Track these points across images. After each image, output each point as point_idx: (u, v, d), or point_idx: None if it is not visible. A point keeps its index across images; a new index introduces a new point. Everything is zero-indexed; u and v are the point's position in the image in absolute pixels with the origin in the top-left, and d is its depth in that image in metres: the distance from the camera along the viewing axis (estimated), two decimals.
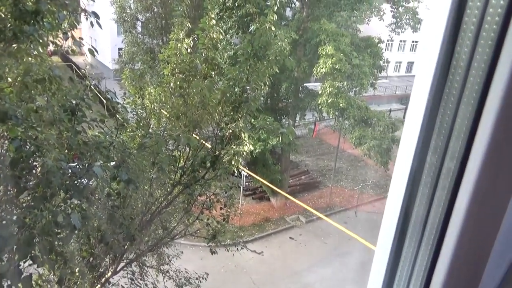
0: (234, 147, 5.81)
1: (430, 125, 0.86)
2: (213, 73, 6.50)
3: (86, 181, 4.11)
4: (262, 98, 17.71)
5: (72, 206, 3.13)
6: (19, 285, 2.82)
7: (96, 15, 4.18)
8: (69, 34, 4.32)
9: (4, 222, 2.88)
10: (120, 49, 27.42)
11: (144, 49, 22.10)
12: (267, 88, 6.61)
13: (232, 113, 6.14)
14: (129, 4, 21.74)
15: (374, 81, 21.10)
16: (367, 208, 23.96)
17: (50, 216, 2.88)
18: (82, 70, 5.16)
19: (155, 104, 7.95)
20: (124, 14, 21.45)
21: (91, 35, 40.14)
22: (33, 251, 2.93)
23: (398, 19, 20.47)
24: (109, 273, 6.53)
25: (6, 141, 3.95)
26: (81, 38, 4.33)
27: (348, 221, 22.13)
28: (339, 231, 18.65)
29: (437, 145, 0.85)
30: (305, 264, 18.89)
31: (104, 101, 5.84)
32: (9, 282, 3.01)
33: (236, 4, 15.60)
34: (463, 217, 0.83)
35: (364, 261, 18.37)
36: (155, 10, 22.02)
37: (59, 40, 5.27)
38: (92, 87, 5.15)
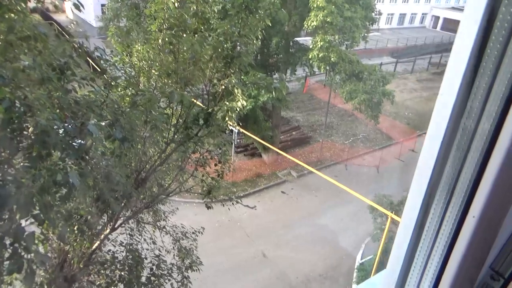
0: (228, 103, 5.79)
1: (467, 88, 0.85)
2: (202, 28, 6.32)
3: (79, 141, 4.10)
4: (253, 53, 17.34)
5: (70, 165, 3.14)
6: (22, 242, 2.89)
7: None
8: None
9: (1, 182, 2.89)
10: (103, 5, 26.36)
11: (129, 4, 21.19)
12: (259, 43, 6.48)
13: (224, 69, 6.04)
14: None
15: (366, 34, 20.75)
16: (357, 161, 24.44)
17: (48, 175, 2.90)
18: (67, 28, 4.97)
19: (143, 61, 7.77)
20: None
21: None
22: (33, 210, 2.98)
23: None
24: (108, 230, 6.68)
25: None
26: None
27: (338, 174, 22.62)
28: (330, 185, 19.09)
29: (473, 108, 0.85)
30: (296, 217, 19.49)
31: (90, 60, 5.69)
32: (11, 240, 3.08)
33: None
34: (495, 178, 0.84)
35: (355, 212, 19.02)
36: None
37: None
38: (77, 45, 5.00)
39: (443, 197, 0.97)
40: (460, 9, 64.49)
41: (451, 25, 63.45)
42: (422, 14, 66.47)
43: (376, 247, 14.85)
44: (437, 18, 66.26)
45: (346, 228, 18.80)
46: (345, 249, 17.74)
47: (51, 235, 6.50)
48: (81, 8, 3.96)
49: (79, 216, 5.96)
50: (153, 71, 7.43)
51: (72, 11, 43.56)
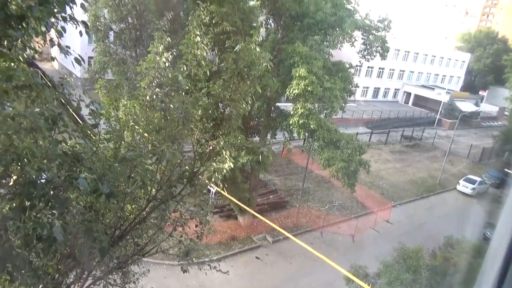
0: (215, 164, 5.78)
1: None
2: (194, 88, 6.49)
3: (62, 192, 3.95)
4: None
5: (57, 218, 2.98)
6: None
7: (85, 25, 4.11)
8: (56, 41, 4.21)
9: None
10: (90, 58, 26.84)
11: (116, 59, 21.74)
12: (249, 107, 6.67)
13: (212, 130, 6.13)
14: (103, 13, 21.42)
15: (343, 105, 21.67)
16: (333, 229, 24.25)
17: (32, 228, 2.74)
18: (60, 79, 4.99)
19: (129, 116, 7.80)
20: (98, 23, 21.08)
21: (60, 42, 39.04)
22: (8, 265, 2.76)
23: (368, 46, 21.27)
24: None
25: None
26: (67, 47, 4.23)
27: (314, 241, 22.28)
28: (305, 252, 18.73)
29: None
30: (270, 285, 18.77)
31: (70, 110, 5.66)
32: None
33: (213, 22, 15.73)
34: None
35: (329, 282, 18.48)
36: (130, 21, 21.81)
37: (39, 46, 5.13)
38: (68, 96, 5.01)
39: None
40: (430, 88, 68.94)
41: (421, 102, 67.37)
42: (395, 89, 70.55)
43: None
44: (409, 94, 70.37)
45: None
46: None
47: None
48: (83, 61, 4.02)
49: (46, 274, 5.57)
50: (136, 126, 7.44)
51: (58, 61, 44.03)
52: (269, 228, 21.72)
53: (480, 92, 77.24)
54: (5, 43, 3.78)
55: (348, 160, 18.94)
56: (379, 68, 64.59)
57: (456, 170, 39.33)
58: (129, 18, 21.64)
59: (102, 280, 7.41)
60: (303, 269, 20.04)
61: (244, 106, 6.19)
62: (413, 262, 14.92)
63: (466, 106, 61.83)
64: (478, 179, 34.57)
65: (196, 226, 7.28)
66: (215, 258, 19.51)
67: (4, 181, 3.92)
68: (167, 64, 7.93)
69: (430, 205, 30.82)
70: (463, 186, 33.98)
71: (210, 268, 8.09)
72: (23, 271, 2.76)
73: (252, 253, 21.13)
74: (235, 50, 5.83)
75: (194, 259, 14.35)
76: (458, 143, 45.22)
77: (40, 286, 5.62)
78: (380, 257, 16.90)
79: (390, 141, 45.32)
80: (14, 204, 3.04)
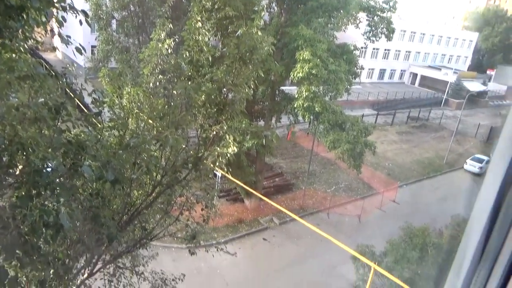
0: (219, 148, 5.85)
1: None
2: (196, 74, 6.51)
3: (68, 180, 4.04)
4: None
5: (62, 205, 3.07)
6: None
7: (85, 14, 4.12)
8: (56, 31, 4.24)
9: None
10: (93, 46, 26.80)
11: (119, 47, 21.69)
12: (252, 91, 6.68)
13: (216, 115, 6.17)
14: (105, 1, 21.28)
15: (348, 87, 21.51)
16: (339, 210, 24.41)
17: (39, 216, 2.83)
18: (62, 68, 5.05)
19: (133, 103, 7.86)
20: (99, 11, 20.96)
21: (62, 31, 38.96)
22: (18, 252, 2.87)
23: (373, 28, 20.97)
24: (85, 275, 6.40)
25: None
26: (68, 36, 4.25)
27: (320, 222, 22.47)
28: (312, 233, 18.91)
29: None
30: (278, 266, 19.05)
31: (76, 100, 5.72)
32: None
33: (216, 7, 15.59)
34: None
35: (337, 262, 18.71)
36: (132, 9, 21.65)
37: (40, 37, 5.16)
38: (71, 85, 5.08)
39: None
40: (436, 68, 68.00)
41: (428, 82, 66.58)
42: (401, 70, 69.70)
43: None
44: (415, 75, 69.51)
45: (328, 279, 18.42)
46: None
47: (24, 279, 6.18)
48: (84, 51, 4.06)
49: (56, 259, 5.72)
50: (140, 113, 7.50)
51: (61, 51, 43.98)
52: (276, 210, 21.90)
53: (488, 72, 76.02)
54: (6, 34, 3.82)
55: (354, 142, 18.92)
56: (385, 50, 63.73)
57: (464, 150, 39.10)
58: (131, 6, 21.47)
59: (112, 264, 7.61)
60: (310, 250, 20.29)
61: (246, 90, 6.21)
62: (419, 241, 15.03)
63: (474, 85, 61.00)
64: (485, 158, 34.36)
65: (202, 210, 7.40)
66: (222, 240, 19.81)
67: (11, 170, 4.01)
68: (169, 51, 7.94)
69: (438, 185, 30.80)
70: (471, 165, 33.84)
71: (218, 250, 8.24)
72: (33, 257, 2.87)
73: (259, 235, 21.40)
74: (237, 35, 5.82)
75: (201, 241, 14.55)
76: (465, 123, 44.83)
77: (51, 270, 5.80)
78: (387, 237, 17.03)
79: (396, 122, 45.04)
80: (21, 193, 3.13)
